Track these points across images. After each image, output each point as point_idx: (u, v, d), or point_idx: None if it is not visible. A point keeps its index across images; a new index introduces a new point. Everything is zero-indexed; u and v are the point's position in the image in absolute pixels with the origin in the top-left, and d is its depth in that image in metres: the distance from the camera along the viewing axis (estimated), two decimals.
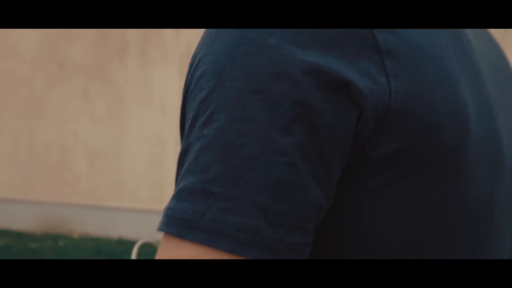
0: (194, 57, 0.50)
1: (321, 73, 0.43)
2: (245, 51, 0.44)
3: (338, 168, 0.45)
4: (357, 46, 0.44)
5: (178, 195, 0.47)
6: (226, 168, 0.44)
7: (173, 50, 6.68)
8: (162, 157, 6.53)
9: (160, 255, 0.47)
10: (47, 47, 7.04)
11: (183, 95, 0.50)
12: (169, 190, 6.48)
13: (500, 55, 0.60)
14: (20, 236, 6.66)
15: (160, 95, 6.71)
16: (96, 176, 6.81)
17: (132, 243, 6.03)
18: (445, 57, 0.48)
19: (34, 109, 7.04)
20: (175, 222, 0.46)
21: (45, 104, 7.02)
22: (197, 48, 0.50)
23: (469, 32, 0.55)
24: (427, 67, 0.46)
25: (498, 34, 5.63)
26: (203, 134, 0.45)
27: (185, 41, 6.72)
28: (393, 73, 0.45)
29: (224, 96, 0.44)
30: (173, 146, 6.54)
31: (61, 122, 6.96)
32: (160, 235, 0.50)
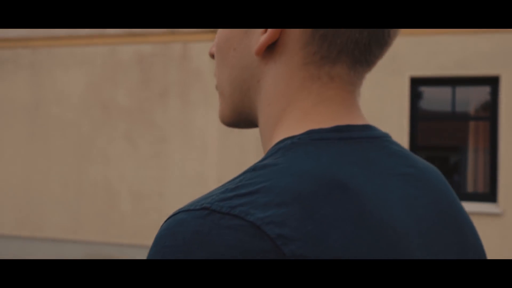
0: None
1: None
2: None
3: None
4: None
5: None
6: None
7: (213, 91, 6.83)
8: None
9: None
10: (93, 91, 7.29)
11: None
12: None
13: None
14: None
15: (200, 136, 6.85)
16: (140, 216, 6.96)
17: None
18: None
19: (81, 151, 7.27)
20: None
21: (92, 146, 7.25)
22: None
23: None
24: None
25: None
26: None
27: None
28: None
29: None
30: (214, 184, 6.64)
31: (107, 163, 7.18)
32: None
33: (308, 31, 0.58)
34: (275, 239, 0.45)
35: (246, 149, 6.70)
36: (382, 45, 0.61)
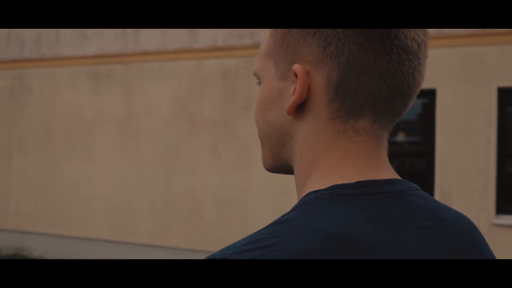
0: None
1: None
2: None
3: None
4: None
5: None
6: None
7: None
8: (286, 206, 6.69)
9: None
10: (180, 104, 7.61)
11: None
12: None
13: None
14: None
15: None
16: (225, 225, 7.16)
17: None
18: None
19: (169, 161, 7.59)
20: None
21: (179, 157, 7.55)
22: None
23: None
24: None
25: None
26: None
27: None
28: None
29: None
30: (296, 195, 6.72)
31: (193, 173, 7.44)
32: None
33: (331, 89, 0.65)
34: None
35: None
36: (403, 96, 0.66)
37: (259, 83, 0.74)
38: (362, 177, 0.65)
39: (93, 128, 8.24)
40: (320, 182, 0.66)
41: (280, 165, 0.75)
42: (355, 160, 0.66)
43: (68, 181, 8.39)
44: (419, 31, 0.66)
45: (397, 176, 0.69)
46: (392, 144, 6.90)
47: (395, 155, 6.91)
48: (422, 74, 0.68)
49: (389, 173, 0.68)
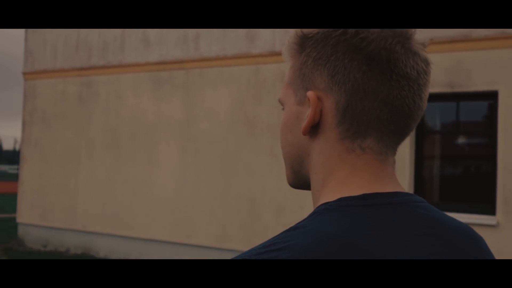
0: None
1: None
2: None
3: None
4: None
5: None
6: None
7: None
8: None
9: None
10: (238, 108, 7.73)
11: None
12: None
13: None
14: None
15: None
16: (282, 227, 7.17)
17: None
18: None
19: (228, 165, 7.72)
20: None
21: (237, 160, 7.67)
22: None
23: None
24: None
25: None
26: None
27: None
28: None
29: None
30: None
31: (251, 177, 7.54)
32: None
33: (339, 112, 0.74)
34: None
35: None
36: (404, 117, 0.75)
37: (283, 109, 0.85)
38: (367, 190, 0.73)
39: (155, 132, 8.50)
40: (330, 195, 0.75)
41: (300, 181, 0.85)
42: (361, 176, 0.75)
43: (132, 184, 8.68)
44: (419, 60, 0.74)
45: (402, 189, 0.76)
46: (453, 146, 6.75)
47: (456, 158, 6.76)
48: (423, 98, 0.76)
49: (394, 186, 0.76)
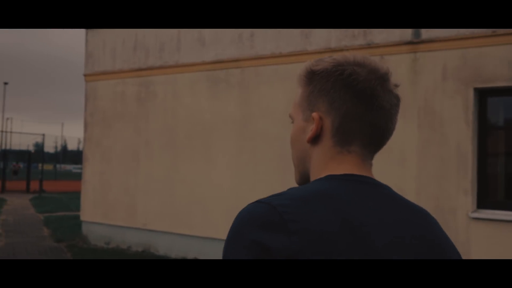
0: None
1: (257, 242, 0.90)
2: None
3: None
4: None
5: None
6: None
7: (410, 103, 6.74)
8: None
9: None
10: None
11: None
12: None
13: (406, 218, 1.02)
14: None
15: (399, 148, 6.80)
16: None
17: None
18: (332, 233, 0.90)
19: (284, 163, 7.66)
20: None
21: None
22: None
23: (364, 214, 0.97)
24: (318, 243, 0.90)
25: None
26: None
27: (422, 95, 6.74)
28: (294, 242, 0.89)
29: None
30: (413, 198, 6.52)
31: None
32: None
33: (334, 128, 1.04)
34: (282, 213, 0.90)
35: (447, 161, 6.46)
36: (380, 134, 1.05)
37: (292, 122, 1.13)
38: (348, 172, 1.03)
39: (212, 131, 8.57)
40: (322, 176, 1.05)
41: (305, 179, 1.13)
42: (346, 166, 1.04)
43: (189, 183, 8.79)
44: (392, 97, 1.05)
45: (376, 179, 1.05)
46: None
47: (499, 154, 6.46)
48: (394, 122, 1.07)
49: (369, 175, 1.05)
